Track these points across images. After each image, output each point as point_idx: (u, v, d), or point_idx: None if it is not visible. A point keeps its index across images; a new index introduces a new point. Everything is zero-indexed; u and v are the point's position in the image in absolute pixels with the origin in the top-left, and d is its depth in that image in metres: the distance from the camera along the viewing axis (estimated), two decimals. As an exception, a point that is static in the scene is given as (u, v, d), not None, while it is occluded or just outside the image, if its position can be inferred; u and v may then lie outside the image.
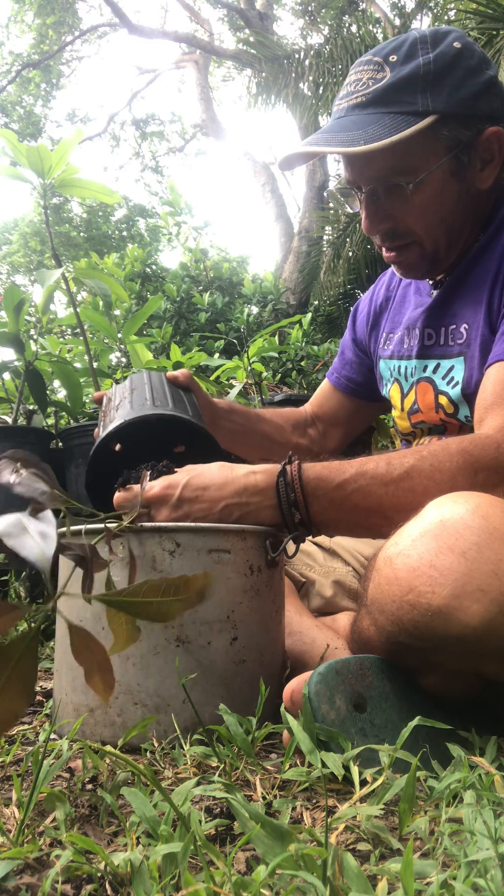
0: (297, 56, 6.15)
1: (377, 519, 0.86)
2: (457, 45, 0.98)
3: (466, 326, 1.06)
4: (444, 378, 1.09)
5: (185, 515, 0.88)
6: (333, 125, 1.00)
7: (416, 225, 1.02)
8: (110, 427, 1.01)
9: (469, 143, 0.99)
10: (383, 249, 1.09)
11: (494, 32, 3.54)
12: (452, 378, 1.08)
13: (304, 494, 0.88)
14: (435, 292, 1.14)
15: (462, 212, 1.04)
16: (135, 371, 2.52)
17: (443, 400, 1.09)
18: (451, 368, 1.08)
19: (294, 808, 0.60)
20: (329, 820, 0.54)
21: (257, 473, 0.90)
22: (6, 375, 2.34)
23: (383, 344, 1.25)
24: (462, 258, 1.09)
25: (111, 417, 1.05)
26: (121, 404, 1.06)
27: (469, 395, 1.05)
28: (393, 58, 0.97)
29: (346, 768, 0.62)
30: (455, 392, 1.07)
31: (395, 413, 1.23)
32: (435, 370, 1.11)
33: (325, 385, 1.43)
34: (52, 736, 0.83)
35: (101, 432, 1.04)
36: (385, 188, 1.00)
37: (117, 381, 2.45)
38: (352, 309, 1.41)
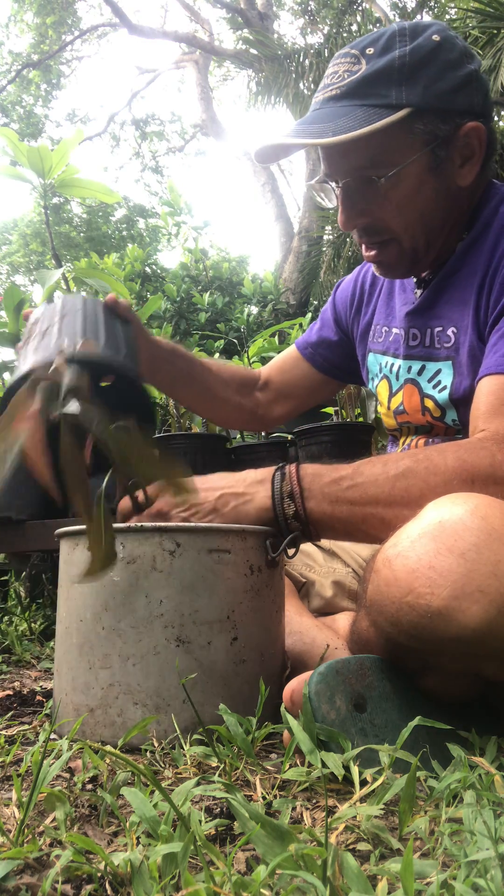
0: (297, 56, 6.15)
1: (373, 520, 0.86)
2: (436, 38, 0.96)
3: (454, 330, 1.05)
4: (430, 381, 1.08)
5: (184, 501, 0.92)
6: (308, 117, 0.99)
7: (392, 221, 1.01)
8: (24, 368, 0.88)
9: (447, 138, 0.97)
10: (363, 248, 1.08)
11: (495, 31, 3.54)
12: (440, 382, 1.07)
13: (301, 487, 0.89)
14: (419, 291, 1.13)
15: (441, 209, 1.02)
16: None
17: (429, 403, 1.09)
18: (438, 372, 1.07)
19: (294, 808, 0.60)
20: (329, 820, 0.54)
21: (256, 471, 0.94)
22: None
23: (374, 336, 1.24)
24: (447, 257, 1.07)
25: (32, 348, 0.93)
26: (46, 333, 0.95)
27: (457, 400, 1.04)
28: (370, 50, 0.96)
29: (346, 768, 0.62)
30: (442, 396, 1.06)
31: (381, 409, 1.22)
32: (420, 372, 1.10)
33: (291, 355, 1.40)
34: (52, 736, 0.83)
35: (17, 369, 0.92)
36: (360, 182, 0.99)
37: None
38: (334, 287, 1.38)
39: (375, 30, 1.02)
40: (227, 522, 0.90)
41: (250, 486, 0.92)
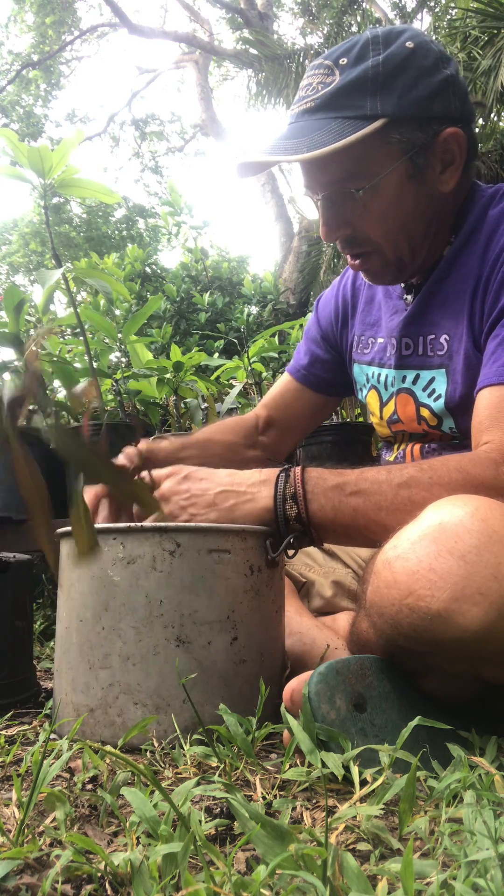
0: (297, 56, 6.15)
1: (375, 526, 0.86)
2: (409, 44, 0.94)
3: (447, 337, 1.04)
4: (424, 390, 1.07)
5: (186, 490, 0.93)
6: (284, 132, 0.97)
7: (374, 231, 1.00)
8: None
9: (425, 146, 0.96)
10: (348, 257, 1.07)
11: (496, 31, 3.55)
12: (434, 390, 1.06)
13: (305, 490, 0.89)
14: (408, 297, 1.11)
15: (423, 216, 1.00)
16: (135, 370, 2.52)
17: (425, 412, 1.08)
18: (433, 380, 1.06)
19: (294, 808, 0.60)
20: (329, 820, 0.54)
21: (262, 471, 0.94)
22: (6, 375, 2.34)
23: (357, 347, 1.22)
24: (434, 262, 1.06)
25: None
26: None
27: (453, 408, 1.03)
28: (343, 60, 0.95)
29: (346, 768, 0.62)
30: (438, 405, 1.05)
31: (373, 419, 1.21)
32: (415, 381, 1.09)
33: (288, 386, 1.35)
34: (52, 736, 0.83)
35: None
36: (340, 194, 0.98)
37: (116, 381, 2.45)
38: (314, 303, 1.35)
39: (351, 37, 1.00)
40: (224, 518, 0.90)
41: (253, 485, 0.92)
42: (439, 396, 1.05)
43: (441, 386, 1.05)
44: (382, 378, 1.15)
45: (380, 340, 1.17)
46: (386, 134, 0.93)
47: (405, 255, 1.03)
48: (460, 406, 1.02)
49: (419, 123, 0.94)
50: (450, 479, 0.85)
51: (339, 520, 0.88)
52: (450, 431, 1.06)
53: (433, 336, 1.06)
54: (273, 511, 0.90)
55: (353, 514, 0.88)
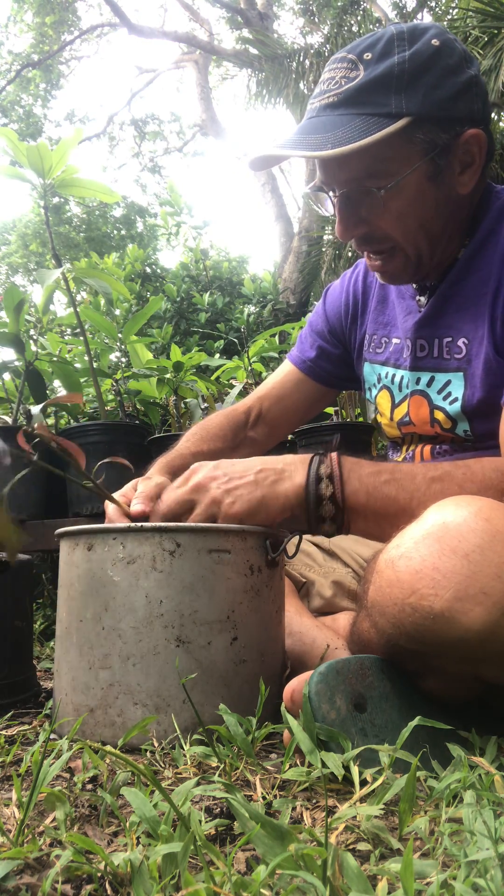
0: (297, 55, 6.16)
1: (405, 516, 0.84)
2: (435, 42, 0.93)
3: (465, 341, 1.03)
4: (439, 393, 1.07)
5: (224, 475, 0.91)
6: (304, 126, 0.96)
7: (393, 230, 0.99)
8: None
9: (446, 146, 0.95)
10: (366, 257, 1.06)
11: (496, 31, 3.55)
12: (450, 394, 1.05)
13: (341, 471, 0.90)
14: (422, 298, 1.10)
15: (442, 217, 1.00)
16: (135, 370, 2.52)
17: (439, 415, 1.07)
18: (448, 383, 1.05)
19: (294, 808, 0.60)
20: (329, 820, 0.54)
21: (295, 455, 0.95)
22: (6, 375, 2.34)
23: (369, 346, 1.21)
24: (450, 265, 1.05)
25: None
26: None
27: (470, 412, 1.03)
28: (367, 55, 0.93)
29: (346, 768, 0.62)
30: (454, 408, 1.04)
31: (381, 419, 1.21)
32: (429, 384, 1.08)
33: (290, 377, 1.33)
34: (52, 736, 0.83)
35: None
36: (358, 192, 0.97)
37: (116, 381, 2.45)
38: (322, 293, 1.34)
39: (373, 31, 0.99)
40: (269, 496, 0.89)
41: (290, 464, 0.93)
42: (455, 400, 1.04)
43: (458, 389, 1.04)
44: (397, 379, 1.15)
45: (395, 341, 1.16)
46: (409, 133, 0.92)
47: (424, 254, 1.02)
48: (478, 410, 1.01)
49: (442, 124, 0.93)
50: (484, 477, 0.85)
51: (372, 505, 0.88)
52: (464, 434, 1.05)
53: (450, 339, 1.05)
54: (305, 488, 0.90)
55: (385, 501, 0.88)
